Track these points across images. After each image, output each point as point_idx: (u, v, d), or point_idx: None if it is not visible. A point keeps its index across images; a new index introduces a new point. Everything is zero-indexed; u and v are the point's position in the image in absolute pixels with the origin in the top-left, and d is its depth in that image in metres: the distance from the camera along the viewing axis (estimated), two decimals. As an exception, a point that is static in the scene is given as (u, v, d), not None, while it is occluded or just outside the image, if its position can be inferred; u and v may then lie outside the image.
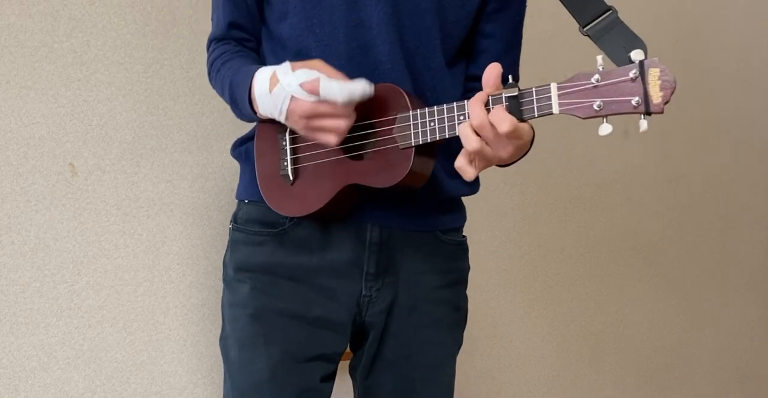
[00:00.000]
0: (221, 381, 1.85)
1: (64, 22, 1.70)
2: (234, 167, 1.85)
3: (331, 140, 1.20)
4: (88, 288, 1.72)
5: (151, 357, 1.79)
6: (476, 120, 1.10)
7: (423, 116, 1.18)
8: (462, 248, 1.45)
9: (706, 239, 2.79)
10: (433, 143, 1.20)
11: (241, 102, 1.28)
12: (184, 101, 1.82)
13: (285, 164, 1.30)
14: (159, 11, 1.79)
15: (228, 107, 1.76)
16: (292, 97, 1.18)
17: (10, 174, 1.66)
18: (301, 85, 1.17)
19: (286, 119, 1.21)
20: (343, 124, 1.19)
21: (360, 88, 1.17)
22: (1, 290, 1.65)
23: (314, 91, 1.16)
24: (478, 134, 1.11)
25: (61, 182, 1.70)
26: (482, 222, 2.25)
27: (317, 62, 1.21)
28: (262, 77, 1.22)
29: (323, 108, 1.17)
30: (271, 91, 1.20)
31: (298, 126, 1.21)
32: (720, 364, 2.82)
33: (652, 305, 2.66)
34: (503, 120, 1.08)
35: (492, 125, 1.09)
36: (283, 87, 1.19)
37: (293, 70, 1.19)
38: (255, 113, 1.26)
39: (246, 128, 1.47)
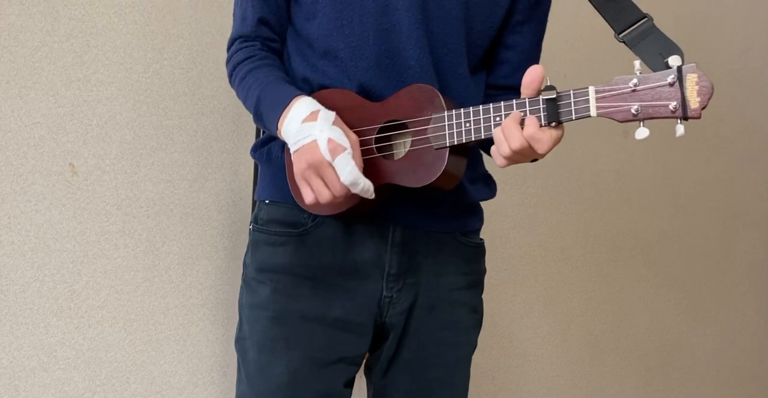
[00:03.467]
0: (221, 381, 1.85)
1: (64, 22, 1.70)
2: (234, 167, 1.86)
3: (309, 198, 1.21)
4: (88, 288, 1.72)
5: (151, 357, 1.79)
6: (516, 143, 1.13)
7: (458, 116, 1.19)
8: (480, 250, 1.45)
9: (706, 239, 2.79)
10: (467, 144, 1.21)
11: (266, 118, 1.28)
12: (184, 100, 1.82)
13: None
14: (159, 11, 1.79)
15: (228, 107, 1.76)
16: (314, 141, 1.19)
17: (10, 174, 1.66)
18: (329, 139, 1.18)
19: (295, 152, 1.22)
20: (327, 195, 1.19)
21: (365, 185, 1.18)
22: (1, 290, 1.65)
23: (333, 154, 1.17)
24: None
25: (61, 182, 1.70)
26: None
27: (354, 138, 1.23)
28: (304, 106, 1.22)
29: (327, 171, 1.18)
30: (303, 121, 1.21)
31: (297, 166, 1.22)
32: (720, 364, 2.82)
33: (652, 305, 2.66)
34: (540, 141, 1.12)
35: (530, 145, 1.12)
36: (314, 127, 1.19)
37: (333, 123, 1.20)
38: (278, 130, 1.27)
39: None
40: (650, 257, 2.65)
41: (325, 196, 1.19)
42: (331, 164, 1.17)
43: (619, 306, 2.59)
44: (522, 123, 1.13)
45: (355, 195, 1.22)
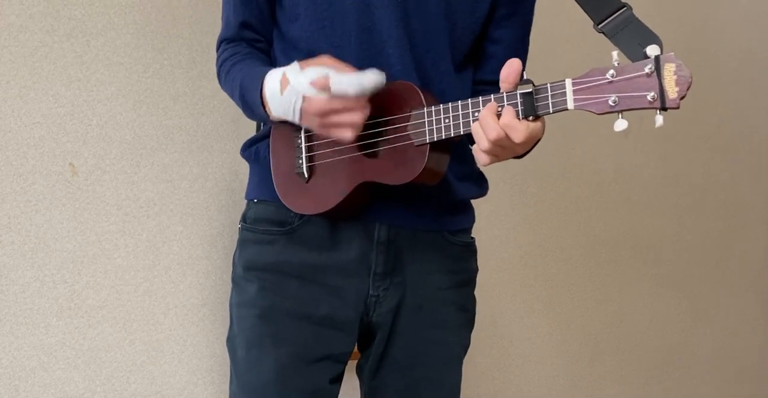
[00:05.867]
0: (221, 382, 1.85)
1: (64, 22, 1.70)
2: (234, 167, 1.85)
3: (347, 134, 1.20)
4: (88, 288, 1.72)
5: (151, 357, 1.79)
6: (493, 135, 1.11)
7: (438, 112, 1.18)
8: (470, 249, 1.45)
9: (706, 239, 2.79)
10: (448, 140, 1.20)
11: (254, 105, 1.28)
12: (184, 100, 1.82)
13: (300, 162, 1.30)
14: (159, 11, 1.79)
15: (228, 107, 1.76)
16: (304, 97, 1.18)
17: (10, 174, 1.66)
18: (311, 84, 1.17)
19: (300, 118, 1.21)
20: (357, 117, 1.19)
21: (371, 78, 1.17)
22: (1, 290, 1.65)
23: (325, 88, 1.16)
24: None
25: (61, 182, 1.70)
26: (482, 222, 2.24)
27: (326, 58, 1.21)
28: (272, 79, 1.22)
29: (336, 104, 1.17)
30: (282, 92, 1.20)
31: (313, 124, 1.21)
32: (720, 364, 2.82)
33: (652, 304, 2.66)
34: (516, 130, 1.09)
35: (507, 135, 1.10)
36: (293, 87, 1.19)
37: (302, 69, 1.19)
38: (269, 115, 1.26)
39: (247, 127, 1.47)
40: (650, 257, 2.65)
41: (356, 119, 1.18)
42: (332, 96, 1.16)
43: (619, 306, 2.59)
44: (499, 115, 1.12)
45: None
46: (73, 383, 1.71)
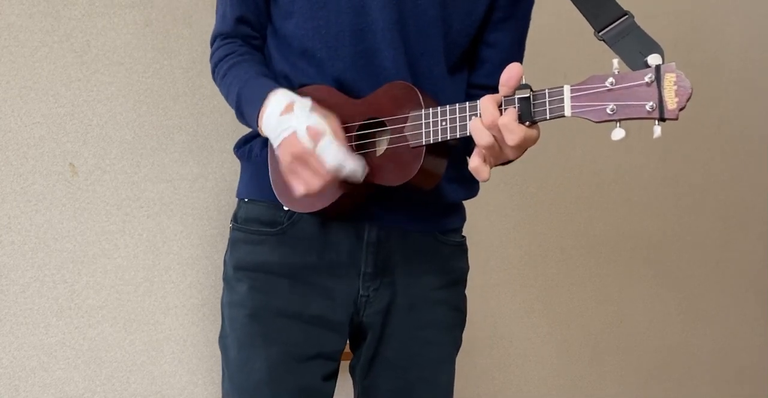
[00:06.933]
0: (221, 381, 1.86)
1: (64, 22, 1.70)
2: (234, 166, 1.85)
3: (300, 190, 1.20)
4: (88, 288, 1.72)
5: (151, 357, 1.79)
6: (488, 118, 1.09)
7: (435, 115, 1.18)
8: (461, 248, 1.45)
9: (706, 239, 2.79)
10: (445, 143, 1.20)
11: (248, 116, 1.28)
12: (184, 100, 1.82)
13: None
14: (159, 11, 1.79)
15: (228, 107, 1.76)
16: (294, 132, 1.18)
17: (10, 174, 1.66)
18: (308, 127, 1.16)
19: (278, 146, 1.21)
20: (317, 184, 1.18)
21: (352, 167, 1.16)
22: (1, 290, 1.65)
23: (314, 140, 1.16)
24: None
25: (61, 182, 1.70)
26: (482, 222, 2.25)
27: (334, 120, 1.21)
28: (279, 99, 1.22)
29: (312, 159, 1.17)
30: (281, 115, 1.20)
31: (283, 160, 1.21)
32: (720, 364, 2.82)
33: (652, 305, 2.66)
34: (513, 132, 1.08)
35: (502, 135, 1.09)
36: (292, 118, 1.18)
37: (311, 110, 1.19)
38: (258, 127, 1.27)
39: (246, 127, 1.47)
40: (650, 257, 2.65)
41: (315, 185, 1.18)
42: (314, 152, 1.16)
43: (619, 306, 2.59)
44: (500, 107, 1.11)
45: (344, 183, 1.21)
46: (73, 383, 1.71)
